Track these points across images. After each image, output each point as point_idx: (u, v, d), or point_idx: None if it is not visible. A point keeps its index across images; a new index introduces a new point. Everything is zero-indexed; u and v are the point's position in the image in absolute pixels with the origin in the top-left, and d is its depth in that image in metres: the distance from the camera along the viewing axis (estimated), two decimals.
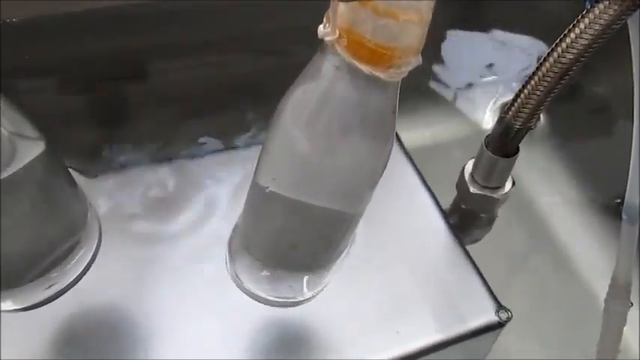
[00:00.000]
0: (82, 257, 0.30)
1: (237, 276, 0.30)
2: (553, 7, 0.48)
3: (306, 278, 0.30)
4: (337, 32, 0.19)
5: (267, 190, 0.25)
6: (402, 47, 0.19)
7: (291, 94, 0.22)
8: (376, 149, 0.23)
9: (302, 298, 0.31)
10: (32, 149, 0.25)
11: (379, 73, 0.20)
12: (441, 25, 0.49)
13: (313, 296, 0.31)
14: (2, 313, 0.28)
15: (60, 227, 0.29)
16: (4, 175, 0.24)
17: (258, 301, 0.30)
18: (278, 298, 0.30)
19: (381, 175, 0.25)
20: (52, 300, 0.29)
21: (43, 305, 0.29)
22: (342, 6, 0.19)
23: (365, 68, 0.20)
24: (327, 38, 0.20)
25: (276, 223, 0.26)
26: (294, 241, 0.27)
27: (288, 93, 0.23)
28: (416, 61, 0.20)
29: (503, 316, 0.32)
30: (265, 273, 0.29)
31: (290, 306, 0.31)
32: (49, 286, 0.29)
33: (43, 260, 0.28)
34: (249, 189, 0.27)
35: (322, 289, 0.31)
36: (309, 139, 0.22)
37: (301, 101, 0.22)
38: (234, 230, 0.31)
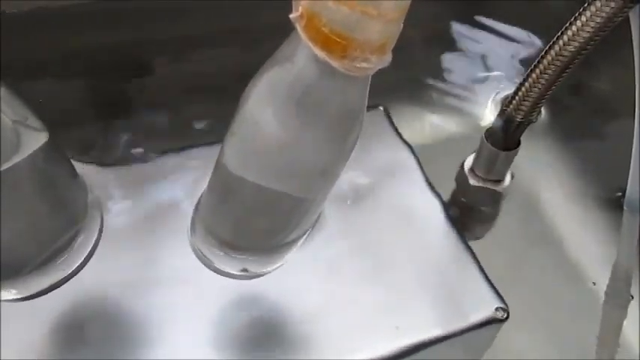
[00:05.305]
0: (83, 247, 0.30)
1: (198, 249, 0.30)
2: (555, 2, 0.48)
3: (262, 255, 0.29)
4: (300, 10, 0.18)
5: (227, 169, 0.24)
6: (358, 40, 0.18)
7: (260, 75, 0.22)
8: (334, 142, 0.22)
9: (259, 272, 0.31)
10: (36, 139, 0.26)
11: (333, 62, 0.18)
12: (442, 18, 0.49)
13: (270, 271, 0.31)
14: (2, 303, 0.28)
15: (61, 217, 0.29)
16: (8, 164, 0.24)
17: (214, 271, 0.30)
18: (236, 271, 0.30)
19: (341, 169, 0.24)
20: (53, 289, 0.29)
21: (43, 295, 0.29)
22: None
23: (319, 54, 0.18)
24: (290, 15, 0.19)
25: (231, 201, 0.26)
26: (249, 219, 0.26)
27: (258, 73, 0.22)
28: (378, 60, 0.19)
29: (504, 311, 0.32)
30: (222, 247, 0.29)
31: (246, 279, 0.30)
32: (50, 276, 0.29)
33: (43, 250, 0.28)
34: (214, 166, 0.26)
35: (281, 265, 0.31)
36: (267, 121, 0.21)
37: (265, 83, 0.21)
38: (196, 205, 0.31)
